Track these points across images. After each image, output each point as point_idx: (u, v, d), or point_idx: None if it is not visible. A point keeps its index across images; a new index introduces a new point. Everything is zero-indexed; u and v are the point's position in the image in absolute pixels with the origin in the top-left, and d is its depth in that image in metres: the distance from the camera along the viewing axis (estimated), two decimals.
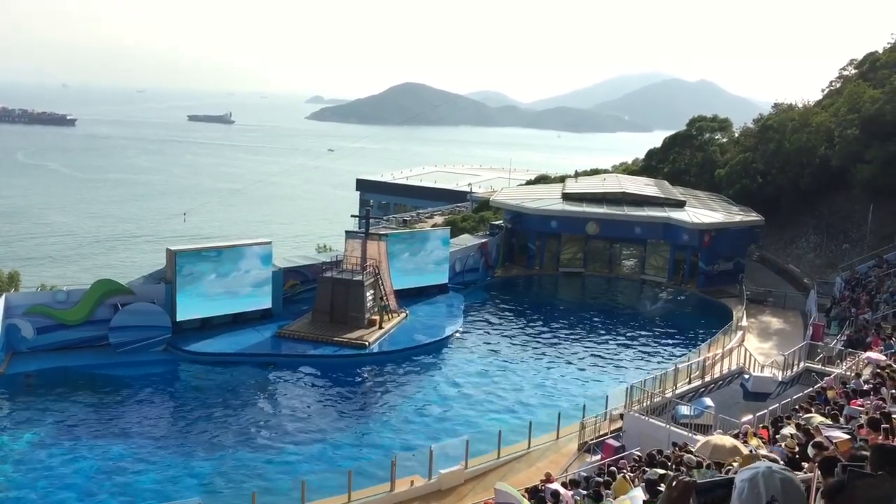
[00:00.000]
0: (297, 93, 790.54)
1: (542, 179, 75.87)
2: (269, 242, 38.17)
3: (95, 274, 53.55)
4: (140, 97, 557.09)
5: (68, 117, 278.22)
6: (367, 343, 34.84)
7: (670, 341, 38.84)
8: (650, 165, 70.49)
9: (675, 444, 18.47)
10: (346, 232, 41.01)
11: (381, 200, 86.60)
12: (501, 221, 53.32)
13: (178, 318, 34.03)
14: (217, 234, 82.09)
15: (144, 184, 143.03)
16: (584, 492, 16.56)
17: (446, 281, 44.35)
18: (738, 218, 49.72)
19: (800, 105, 63.02)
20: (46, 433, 25.46)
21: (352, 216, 54.34)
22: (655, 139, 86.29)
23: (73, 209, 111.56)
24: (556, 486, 17.13)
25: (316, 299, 37.61)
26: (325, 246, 57.75)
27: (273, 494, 21.32)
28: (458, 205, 75.86)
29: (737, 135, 68.51)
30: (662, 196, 53.14)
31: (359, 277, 37.02)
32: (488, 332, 39.27)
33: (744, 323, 38.55)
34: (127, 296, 33.17)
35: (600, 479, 17.33)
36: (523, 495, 14.51)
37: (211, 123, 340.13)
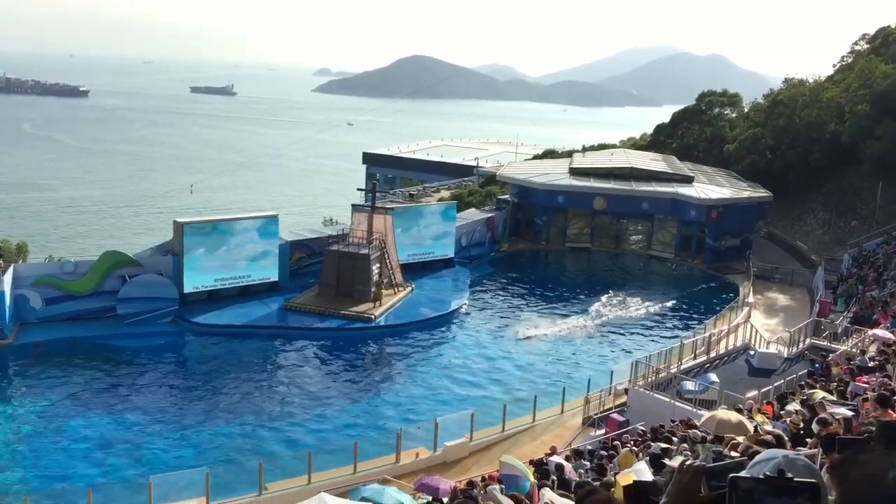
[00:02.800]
0: (304, 65, 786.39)
1: (549, 154, 75.47)
2: (276, 215, 38.19)
3: (102, 245, 53.69)
4: (147, 68, 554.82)
5: (81, 88, 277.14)
6: (372, 316, 34.97)
7: (676, 317, 38.85)
8: (658, 140, 69.96)
9: (680, 420, 18.55)
10: (353, 205, 40.96)
11: (388, 174, 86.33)
12: (508, 196, 53.16)
13: (185, 290, 34.19)
14: (224, 207, 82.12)
15: (151, 156, 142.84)
16: (588, 464, 16.70)
17: (452, 255, 44.36)
18: (746, 194, 49.46)
19: (810, 80, 62.38)
20: (55, 402, 25.72)
21: (358, 190, 54.17)
22: (664, 114, 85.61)
23: (80, 181, 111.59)
24: (560, 458, 17.27)
25: (322, 272, 37.69)
26: (331, 219, 57.68)
27: (280, 465, 21.53)
28: (465, 179, 75.60)
29: (746, 110, 67.91)
30: (670, 171, 52.84)
31: (365, 251, 37.04)
32: (494, 306, 39.35)
33: (750, 299, 38.50)
34: (134, 267, 33.31)
35: (604, 453, 17.46)
36: (528, 468, 14.62)
37: (213, 95, 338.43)
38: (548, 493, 11.73)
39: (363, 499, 14.82)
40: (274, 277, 37.27)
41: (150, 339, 31.69)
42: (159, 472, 20.15)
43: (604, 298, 40.74)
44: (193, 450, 23.13)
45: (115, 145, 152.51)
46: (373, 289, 36.38)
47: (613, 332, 36.13)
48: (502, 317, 37.80)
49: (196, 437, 23.92)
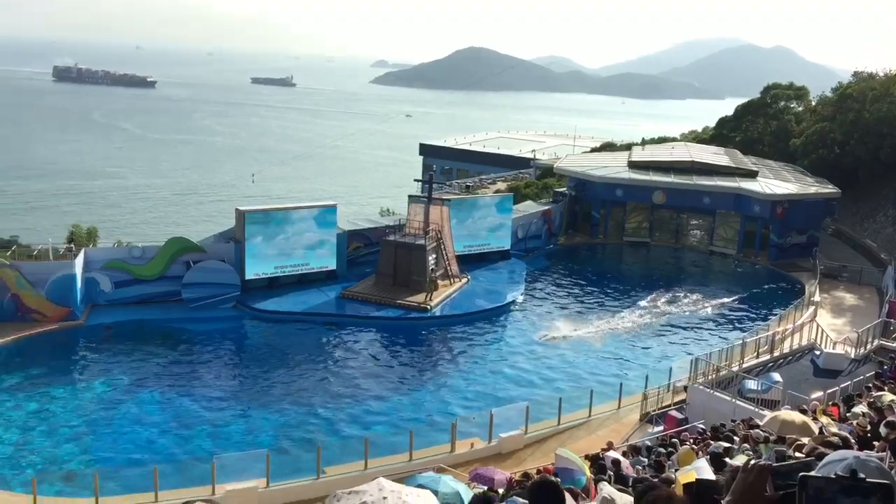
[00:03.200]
0: (362, 57, 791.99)
1: (607, 147, 74.60)
2: (334, 205, 38.69)
3: (167, 232, 55.21)
4: (209, 59, 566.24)
5: (149, 79, 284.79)
6: (428, 307, 35.17)
7: (738, 314, 38.06)
8: (721, 134, 68.49)
9: (742, 420, 18.22)
10: (409, 196, 41.20)
11: (444, 165, 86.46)
12: (565, 189, 52.76)
13: (247, 277, 34.94)
14: (283, 196, 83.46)
15: (213, 145, 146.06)
16: (645, 460, 16.54)
17: (508, 247, 44.28)
18: (812, 190, 48.10)
19: (881, 74, 60.18)
20: (122, 382, 26.62)
21: (415, 181, 54.52)
22: (727, 107, 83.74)
23: (146, 169, 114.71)
24: (616, 454, 17.14)
25: (379, 262, 38.05)
26: (388, 209, 58.10)
27: (336, 450, 21.88)
28: (522, 171, 75.22)
29: (814, 103, 65.97)
30: (733, 165, 51.70)
31: (421, 242, 37.25)
32: (550, 300, 39.16)
33: (816, 298, 37.45)
34: (198, 253, 34.18)
35: (662, 450, 17.27)
36: (584, 462, 14.56)
37: (272, 86, 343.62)
38: (606, 488, 11.64)
39: (419, 486, 14.97)
40: (332, 266, 37.79)
41: (213, 324, 32.51)
42: (221, 453, 20.71)
43: (662, 294, 40.15)
44: (254, 432, 23.67)
45: (178, 134, 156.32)
46: (429, 279, 36.58)
47: (672, 329, 35.59)
48: (558, 310, 37.58)
49: (256, 419, 24.47)
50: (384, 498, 5.50)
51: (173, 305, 33.02)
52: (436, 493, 14.95)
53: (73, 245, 33.91)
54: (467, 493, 14.53)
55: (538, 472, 16.26)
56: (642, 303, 38.91)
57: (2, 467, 20.76)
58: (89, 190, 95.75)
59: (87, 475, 19.05)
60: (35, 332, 29.57)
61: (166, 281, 33.50)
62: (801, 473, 2.35)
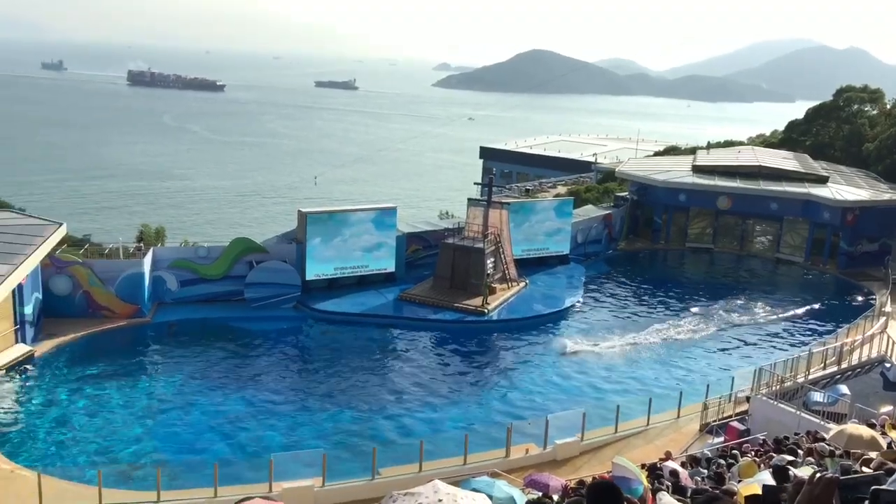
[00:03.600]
0: (425, 60, 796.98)
1: (671, 151, 73.30)
2: (394, 207, 39.00)
3: (231, 232, 56.51)
4: (276, 64, 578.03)
5: (218, 83, 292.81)
6: (486, 310, 35.13)
7: (804, 324, 36.94)
8: (790, 138, 66.53)
9: (806, 433, 17.67)
10: (469, 199, 41.26)
11: (504, 169, 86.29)
12: (627, 193, 52.09)
13: (307, 277, 35.50)
14: (345, 198, 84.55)
15: (278, 147, 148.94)
16: (705, 472, 16.17)
17: (567, 252, 43.90)
18: (886, 196, 46.42)
19: None
20: (186, 379, 27.35)
21: (474, 184, 54.60)
22: (797, 110, 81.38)
23: (212, 170, 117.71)
24: (675, 464, 16.81)
25: (437, 265, 38.19)
26: (447, 212, 58.29)
27: (392, 452, 22.01)
28: (582, 175, 74.53)
29: (889, 107, 63.52)
30: (803, 171, 50.23)
31: (480, 245, 37.24)
32: (609, 306, 38.69)
33: (888, 308, 36.05)
34: (261, 254, 34.90)
35: (723, 461, 16.86)
36: (641, 471, 14.31)
37: (336, 89, 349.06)
38: (665, 498, 11.43)
39: (473, 490, 14.96)
40: (390, 268, 38.10)
41: (274, 323, 33.15)
42: (279, 451, 21.07)
43: (725, 302, 39.23)
44: (311, 431, 24.03)
45: (244, 137, 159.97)
46: (486, 283, 36.54)
47: (735, 338, 34.75)
48: (617, 316, 37.10)
49: (314, 418, 24.83)
50: (439, 500, 5.50)
51: (236, 304, 33.80)
52: (490, 497, 14.92)
53: (142, 244, 35.01)
54: (521, 499, 14.47)
55: (594, 479, 16.07)
56: (703, 310, 38.09)
57: (69, 459, 21.55)
58: (158, 190, 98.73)
59: (149, 469, 19.60)
60: (104, 328, 30.64)
61: (230, 280, 34.31)
62: (874, 487, 2.29)
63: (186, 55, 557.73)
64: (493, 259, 37.70)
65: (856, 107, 64.61)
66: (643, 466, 15.95)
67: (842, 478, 2.59)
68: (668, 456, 17.96)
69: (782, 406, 22.54)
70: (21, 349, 27.46)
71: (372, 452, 20.42)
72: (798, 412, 21.69)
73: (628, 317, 37.07)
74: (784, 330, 36.18)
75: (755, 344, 34.10)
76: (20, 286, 27.12)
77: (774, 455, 15.00)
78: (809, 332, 35.49)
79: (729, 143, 71.29)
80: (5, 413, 23.97)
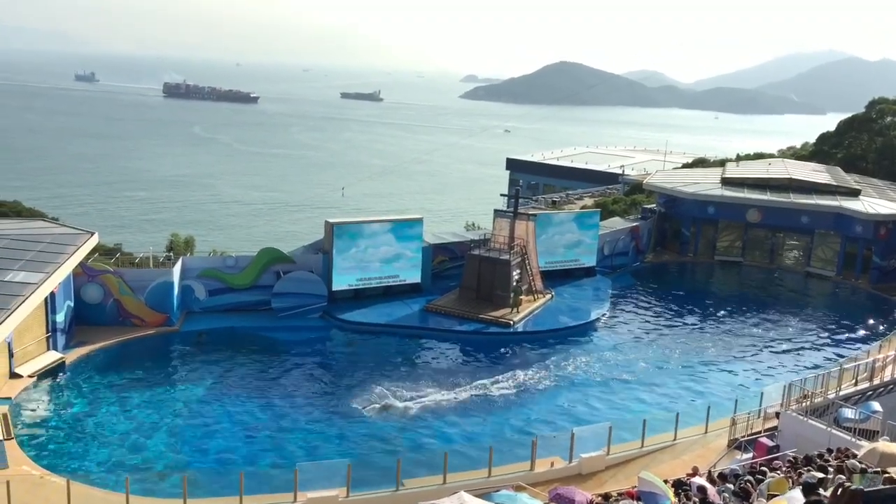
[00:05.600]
0: (452, 72, 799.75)
1: (699, 163, 72.81)
2: (420, 218, 39.10)
3: (259, 242, 57.00)
4: (305, 76, 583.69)
5: (251, 95, 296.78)
6: (511, 322, 35.02)
7: (836, 340, 36.35)
8: (822, 150, 65.75)
9: (837, 450, 17.36)
10: (495, 211, 41.23)
11: (531, 180, 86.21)
12: (654, 205, 51.74)
13: (334, 288, 35.67)
14: (371, 209, 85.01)
15: (305, 159, 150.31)
16: (732, 487, 15.93)
17: (594, 264, 43.67)
18: None
19: None
20: (212, 388, 27.55)
21: (501, 195, 54.51)
22: (828, 122, 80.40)
23: (241, 180, 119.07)
24: (702, 480, 16.57)
25: (463, 276, 38.18)
26: (473, 224, 58.36)
27: (417, 463, 21.97)
28: (609, 187, 74.27)
29: None
30: (834, 184, 49.58)
31: (506, 257, 37.19)
32: (635, 319, 38.37)
33: None
34: (288, 264, 35.14)
35: (750, 478, 16.60)
36: (668, 487, 14.15)
37: (361, 101, 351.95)
38: None
39: (498, 503, 14.88)
40: (416, 279, 38.16)
41: (300, 333, 33.32)
42: (305, 461, 21.12)
43: (754, 316, 38.72)
44: (336, 441, 24.07)
45: (273, 148, 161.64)
46: (512, 294, 36.44)
47: (764, 352, 34.28)
48: (644, 330, 36.79)
49: (339, 428, 24.86)
50: None
51: (263, 314, 34.04)
52: None
53: (171, 253, 35.41)
54: None
55: (620, 494, 15.90)
56: (732, 324, 37.65)
57: (98, 465, 21.78)
58: (187, 199, 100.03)
59: (176, 477, 19.74)
60: (134, 336, 31.01)
61: (257, 290, 34.59)
62: None
63: (217, 67, 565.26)
64: (519, 270, 37.61)
65: (889, 119, 63.69)
66: (670, 482, 15.76)
67: (867, 490, 2.56)
68: (696, 471, 17.73)
69: (813, 422, 22.15)
70: (52, 356, 27.88)
71: (396, 464, 20.39)
72: (829, 429, 21.30)
73: (655, 329, 36.74)
74: (814, 345, 35.62)
75: (785, 359, 33.62)
76: (53, 294, 27.57)
77: (805, 472, 14.74)
78: (840, 348, 34.90)
79: (759, 156, 70.62)
80: (36, 419, 24.33)
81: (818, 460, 16.87)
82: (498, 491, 16.65)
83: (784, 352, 34.53)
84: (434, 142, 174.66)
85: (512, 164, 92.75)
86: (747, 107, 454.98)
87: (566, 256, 42.84)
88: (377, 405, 26.40)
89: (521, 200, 40.77)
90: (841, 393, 24.89)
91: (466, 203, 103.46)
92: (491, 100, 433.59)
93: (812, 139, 73.64)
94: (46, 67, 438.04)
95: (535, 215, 41.42)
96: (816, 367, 30.78)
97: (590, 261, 43.46)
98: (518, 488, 18.67)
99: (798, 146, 79.61)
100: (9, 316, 21.30)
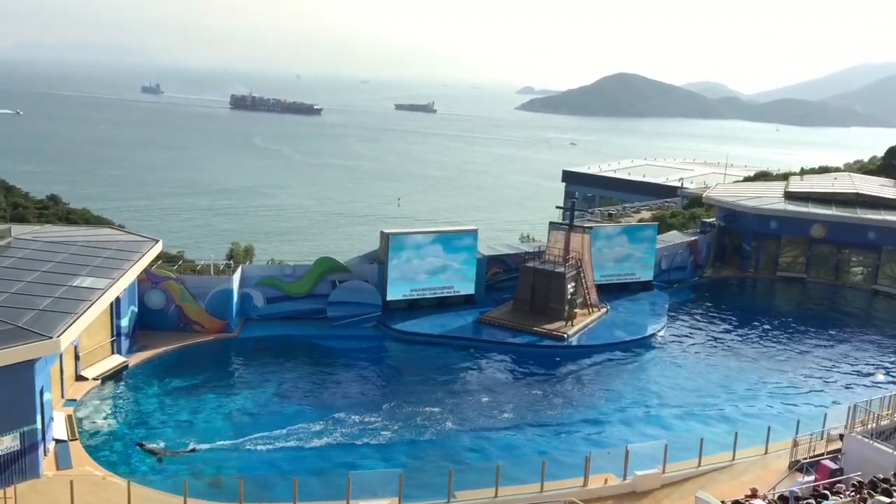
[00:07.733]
0: (509, 83, 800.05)
1: (761, 176, 71.28)
2: (475, 229, 39.15)
3: (315, 251, 57.82)
4: (363, 87, 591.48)
5: (315, 107, 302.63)
6: (566, 335, 34.73)
7: None
8: (890, 164, 63.72)
9: None
10: (550, 223, 41.02)
11: (587, 193, 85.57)
12: (714, 219, 50.78)
13: (388, 298, 35.94)
14: (426, 219, 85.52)
15: (362, 169, 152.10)
16: None
17: (651, 278, 43.03)
18: None
19: None
20: (268, 395, 28.00)
21: (556, 207, 54.27)
22: None
23: (298, 190, 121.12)
24: (762, 502, 16.16)
25: (517, 288, 38.03)
26: (528, 236, 58.11)
27: (468, 474, 21.89)
28: (668, 200, 73.19)
29: None
30: None
31: (561, 269, 36.93)
32: (693, 335, 37.64)
33: None
34: (344, 273, 35.57)
35: (813, 502, 16.13)
36: None
37: (415, 112, 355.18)
38: None
39: None
40: (470, 290, 38.18)
41: (355, 342, 33.66)
42: (357, 469, 21.27)
43: (818, 335, 37.59)
44: (389, 450, 24.16)
45: (330, 159, 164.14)
46: (567, 307, 36.14)
47: (828, 373, 33.22)
48: (702, 346, 36.06)
49: (392, 437, 24.95)
50: None
51: (319, 322, 34.49)
52: None
53: (231, 261, 36.20)
54: None
55: None
56: (794, 342, 36.61)
57: (157, 467, 22.30)
58: (247, 208, 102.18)
59: (232, 481, 20.09)
60: (194, 341, 31.79)
61: (313, 299, 35.07)
62: None
63: (278, 79, 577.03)
64: (574, 283, 37.30)
65: None
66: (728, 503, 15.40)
67: None
68: (755, 493, 17.29)
69: (878, 445, 21.35)
70: (116, 360, 28.78)
71: (448, 475, 20.37)
72: (895, 452, 20.51)
73: (714, 345, 35.97)
74: (881, 365, 34.38)
75: (850, 379, 32.52)
76: (118, 299, 28.45)
77: (869, 497, 14.27)
78: None
79: (824, 170, 68.85)
80: (99, 421, 25.09)
81: (883, 484, 16.30)
82: None
83: (848, 372, 33.42)
84: (490, 153, 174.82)
85: (568, 177, 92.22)
86: (811, 119, 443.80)
87: (622, 270, 42.32)
88: (427, 415, 26.46)
89: (576, 213, 40.49)
90: None
91: (521, 214, 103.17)
92: (548, 111, 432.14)
93: (878, 152, 71.51)
94: (117, 79, 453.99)
95: (590, 228, 41.07)
96: (882, 387, 29.70)
97: (647, 275, 42.84)
98: None
99: (865, 160, 77.24)
100: (76, 320, 22.02)
